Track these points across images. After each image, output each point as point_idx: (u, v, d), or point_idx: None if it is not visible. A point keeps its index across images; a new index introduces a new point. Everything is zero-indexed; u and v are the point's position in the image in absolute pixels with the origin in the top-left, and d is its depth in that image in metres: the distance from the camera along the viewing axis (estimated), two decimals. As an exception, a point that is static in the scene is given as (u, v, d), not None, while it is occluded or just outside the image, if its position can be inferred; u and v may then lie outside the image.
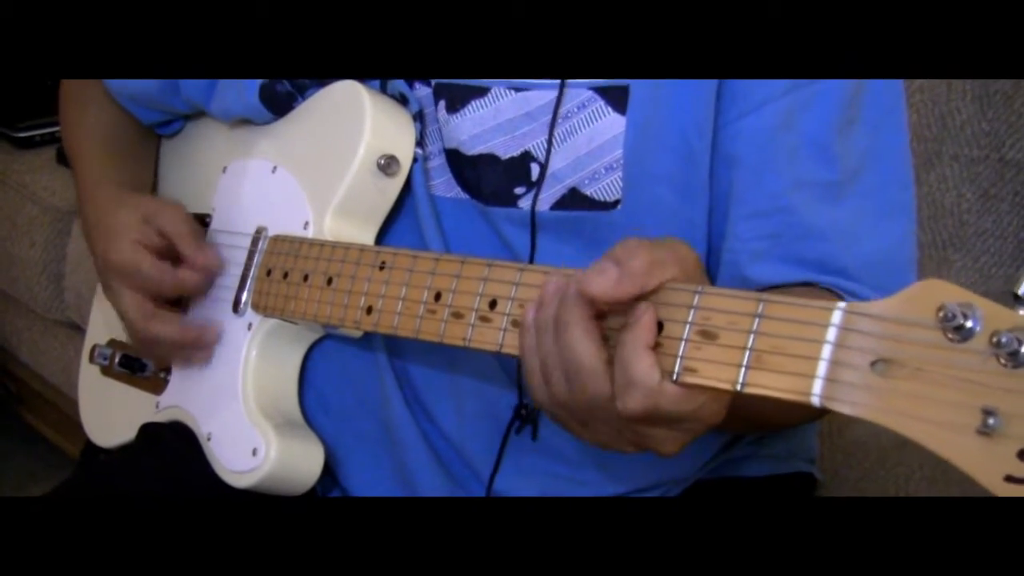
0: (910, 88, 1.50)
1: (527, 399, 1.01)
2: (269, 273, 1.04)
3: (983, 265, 1.51)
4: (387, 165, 1.00)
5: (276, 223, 1.06)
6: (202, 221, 1.15)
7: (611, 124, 0.94)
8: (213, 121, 1.19)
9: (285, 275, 1.02)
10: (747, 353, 0.67)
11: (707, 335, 0.69)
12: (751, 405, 0.75)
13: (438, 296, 0.86)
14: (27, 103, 2.13)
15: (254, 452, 1.01)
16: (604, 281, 0.71)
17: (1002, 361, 0.57)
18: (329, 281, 0.97)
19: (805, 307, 0.66)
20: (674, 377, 0.70)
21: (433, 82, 1.00)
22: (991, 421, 0.57)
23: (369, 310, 0.92)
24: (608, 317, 0.74)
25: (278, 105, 1.08)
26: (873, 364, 0.62)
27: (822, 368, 0.63)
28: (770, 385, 0.66)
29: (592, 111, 0.94)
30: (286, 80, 1.06)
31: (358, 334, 1.01)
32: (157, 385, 1.15)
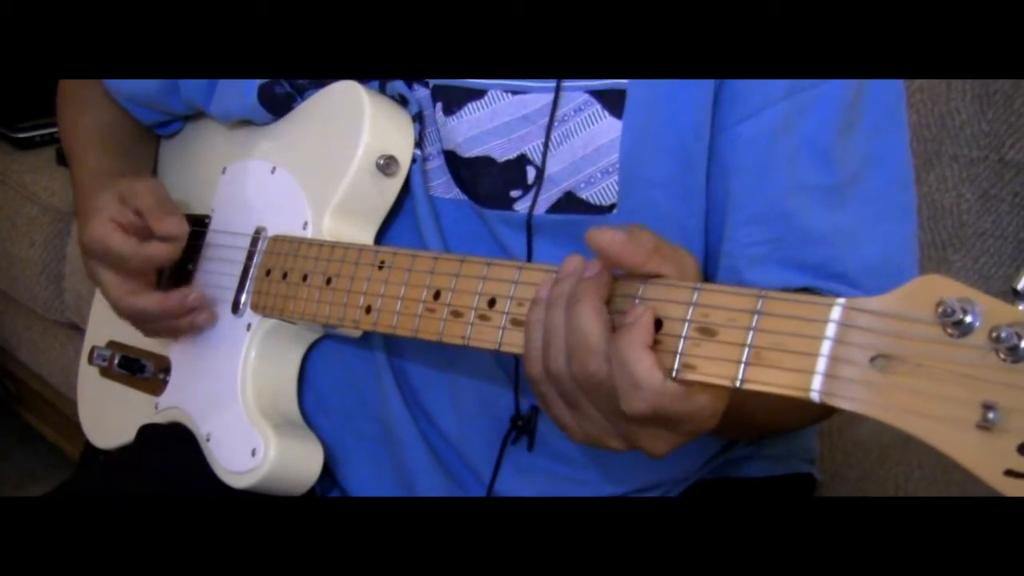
0: (910, 88, 1.50)
1: (524, 408, 1.01)
2: (268, 273, 1.04)
3: (983, 265, 1.51)
4: (386, 165, 1.00)
5: (275, 223, 1.06)
6: (201, 222, 1.15)
7: (607, 128, 0.94)
8: (212, 122, 1.19)
9: (284, 275, 1.02)
10: (746, 350, 0.67)
11: (706, 332, 0.69)
12: (749, 408, 0.75)
13: (437, 295, 0.86)
14: (27, 103, 2.13)
15: (253, 452, 1.01)
16: (615, 235, 0.72)
17: (1001, 356, 0.57)
18: (328, 281, 0.97)
19: (805, 303, 0.66)
20: (673, 374, 0.70)
21: (431, 84, 1.00)
22: (991, 416, 0.57)
23: (368, 309, 0.92)
24: (613, 314, 0.74)
25: (277, 106, 1.08)
26: (873, 360, 0.62)
27: (822, 364, 0.63)
28: (769, 381, 0.66)
29: (588, 115, 0.94)
30: (285, 81, 1.06)
31: (357, 334, 1.01)
32: (156, 386, 1.15)
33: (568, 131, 0.94)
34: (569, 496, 1.02)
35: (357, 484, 1.09)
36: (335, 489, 1.10)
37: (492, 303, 0.82)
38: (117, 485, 1.10)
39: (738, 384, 0.67)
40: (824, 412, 1.04)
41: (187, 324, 1.08)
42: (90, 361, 1.22)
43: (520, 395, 1.01)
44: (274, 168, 1.09)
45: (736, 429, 1.02)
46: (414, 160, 1.01)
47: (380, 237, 1.03)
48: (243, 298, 1.06)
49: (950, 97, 1.52)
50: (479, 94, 0.96)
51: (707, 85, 0.92)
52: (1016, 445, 0.56)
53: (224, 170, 1.16)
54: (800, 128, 0.93)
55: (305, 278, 0.99)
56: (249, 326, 1.05)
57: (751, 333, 0.67)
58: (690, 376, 0.69)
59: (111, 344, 1.23)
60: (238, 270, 1.07)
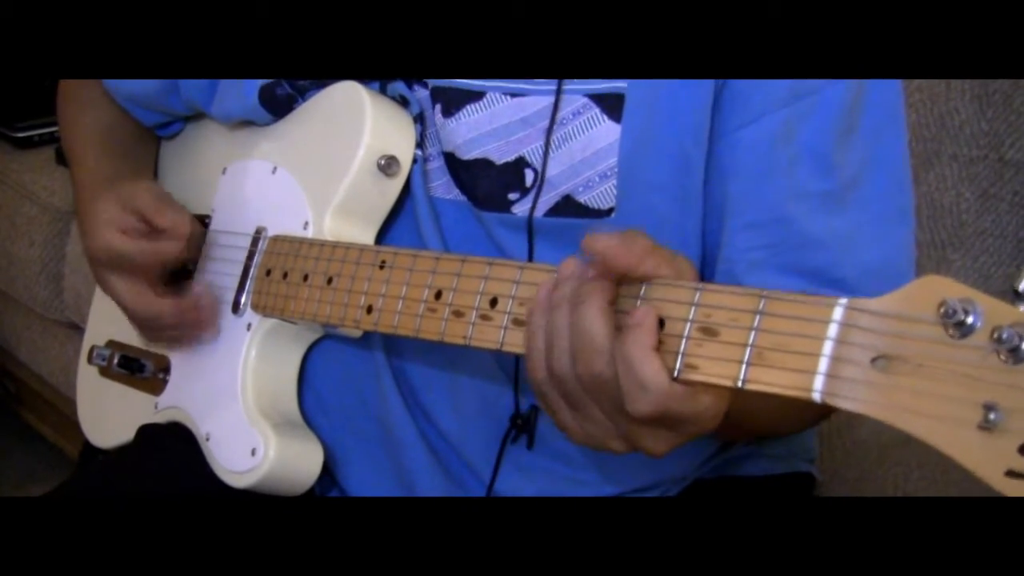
0: (909, 88, 1.50)
1: (523, 407, 1.01)
2: (269, 273, 1.04)
3: (982, 265, 1.51)
4: (387, 166, 1.00)
5: (276, 223, 1.06)
6: (202, 222, 1.15)
7: (606, 132, 0.93)
8: (213, 122, 1.19)
9: (285, 275, 1.02)
10: (748, 350, 0.67)
11: (708, 332, 0.69)
12: (750, 408, 0.75)
13: (439, 295, 0.86)
14: (26, 103, 2.13)
15: (253, 452, 1.01)
16: (609, 238, 0.72)
17: (1003, 357, 0.57)
18: (329, 281, 0.97)
19: (806, 304, 0.66)
20: (675, 374, 0.70)
21: (430, 85, 1.00)
22: (992, 416, 0.57)
23: (369, 309, 0.92)
24: (617, 314, 0.74)
25: (278, 107, 1.08)
26: (874, 360, 0.62)
27: (823, 364, 0.63)
28: (771, 381, 0.66)
29: (587, 119, 0.94)
30: (286, 82, 1.06)
31: (358, 334, 1.01)
32: (156, 386, 1.15)
33: (567, 134, 0.94)
34: (569, 496, 1.02)
35: (357, 484, 1.09)
36: (335, 489, 1.10)
37: (494, 303, 0.82)
38: (117, 485, 1.10)
39: (740, 384, 0.67)
40: (823, 413, 1.04)
41: (194, 332, 1.08)
42: (89, 360, 1.22)
43: (520, 394, 1.01)
44: (275, 168, 1.09)
45: (736, 431, 1.02)
46: (415, 161, 1.01)
47: (380, 237, 1.03)
48: (243, 298, 1.06)
49: (949, 97, 1.52)
50: (478, 96, 0.96)
51: (706, 89, 0.92)
52: (1017, 446, 0.56)
53: (224, 170, 1.16)
54: (799, 135, 0.93)
55: (306, 278, 0.99)
56: (249, 326, 1.05)
57: (753, 333, 0.67)
58: (692, 376, 0.69)
59: (110, 343, 1.23)
60: (238, 270, 1.07)
